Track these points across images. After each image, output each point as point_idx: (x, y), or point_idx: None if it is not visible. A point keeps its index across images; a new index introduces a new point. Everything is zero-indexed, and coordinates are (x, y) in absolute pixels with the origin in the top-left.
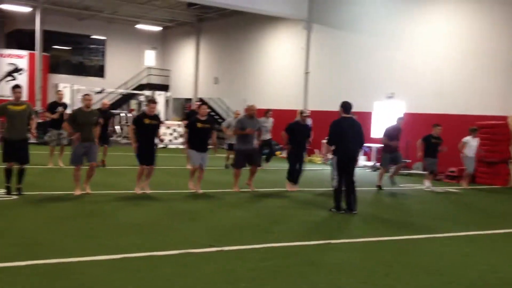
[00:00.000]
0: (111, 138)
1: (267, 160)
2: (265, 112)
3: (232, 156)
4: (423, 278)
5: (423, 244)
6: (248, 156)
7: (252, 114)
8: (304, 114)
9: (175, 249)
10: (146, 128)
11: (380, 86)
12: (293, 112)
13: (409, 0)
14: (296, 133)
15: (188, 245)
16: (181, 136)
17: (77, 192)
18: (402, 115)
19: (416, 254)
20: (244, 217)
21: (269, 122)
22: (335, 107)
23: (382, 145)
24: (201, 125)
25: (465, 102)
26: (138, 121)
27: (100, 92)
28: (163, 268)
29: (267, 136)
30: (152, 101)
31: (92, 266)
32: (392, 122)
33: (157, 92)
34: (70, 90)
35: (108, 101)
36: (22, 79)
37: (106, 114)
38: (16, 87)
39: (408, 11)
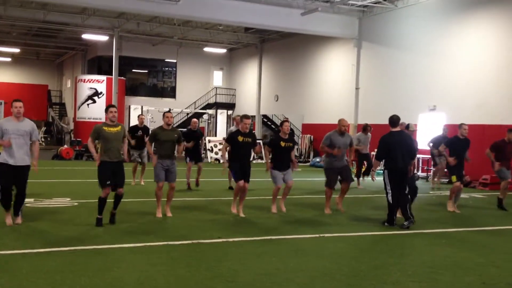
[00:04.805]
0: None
1: (366, 173)
2: (363, 127)
3: None
4: None
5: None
6: (339, 172)
7: (343, 129)
8: (411, 129)
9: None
10: (240, 146)
11: (423, 99)
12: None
13: (449, 17)
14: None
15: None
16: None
17: (159, 214)
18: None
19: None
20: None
21: (368, 137)
22: (384, 120)
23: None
24: (284, 144)
25: (504, 113)
26: (231, 139)
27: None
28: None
29: (365, 150)
30: (245, 116)
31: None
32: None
33: (220, 111)
34: (141, 111)
35: (196, 120)
36: (101, 102)
37: (197, 133)
38: (111, 106)
39: (448, 27)
